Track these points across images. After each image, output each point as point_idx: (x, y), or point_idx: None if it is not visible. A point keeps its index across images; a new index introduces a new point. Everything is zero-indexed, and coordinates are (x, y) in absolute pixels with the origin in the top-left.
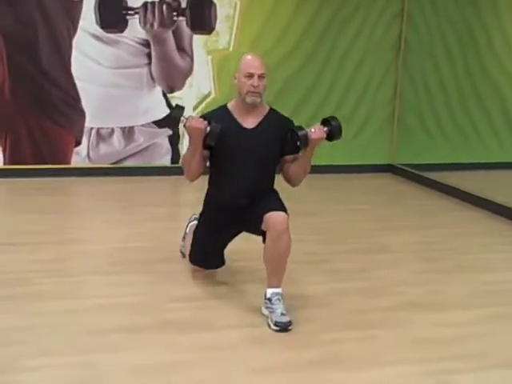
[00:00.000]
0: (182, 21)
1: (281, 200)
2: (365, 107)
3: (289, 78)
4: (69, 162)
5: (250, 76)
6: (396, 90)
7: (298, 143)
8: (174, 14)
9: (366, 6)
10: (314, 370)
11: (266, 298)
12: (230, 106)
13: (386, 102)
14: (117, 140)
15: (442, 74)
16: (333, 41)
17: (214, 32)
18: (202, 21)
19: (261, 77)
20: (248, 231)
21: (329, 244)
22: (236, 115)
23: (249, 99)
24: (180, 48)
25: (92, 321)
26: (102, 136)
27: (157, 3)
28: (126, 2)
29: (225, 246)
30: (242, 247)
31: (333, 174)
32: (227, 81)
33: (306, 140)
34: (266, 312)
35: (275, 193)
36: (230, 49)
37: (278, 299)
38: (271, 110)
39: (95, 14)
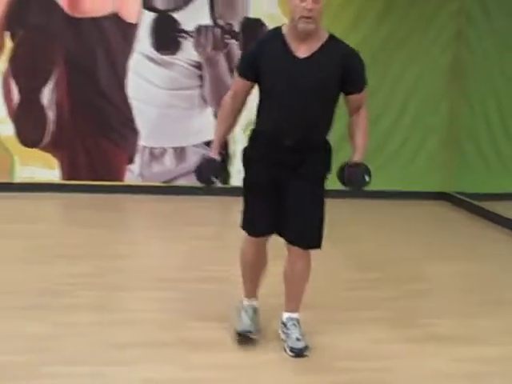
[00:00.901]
0: (234, 44)
1: (321, 214)
2: (419, 132)
3: (339, 102)
4: (122, 179)
5: None
6: (452, 115)
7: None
8: (227, 36)
9: (421, 29)
10: None
11: (281, 322)
12: (284, 29)
13: (442, 127)
14: (169, 159)
15: (501, 99)
16: (386, 63)
17: None
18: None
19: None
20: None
21: (365, 271)
22: (290, 41)
23: (301, 25)
24: (232, 70)
25: (115, 334)
26: (154, 155)
27: (210, 26)
28: (180, 25)
29: (274, 199)
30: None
31: (385, 200)
32: None
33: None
34: (282, 336)
35: (320, 184)
36: None
37: (294, 324)
38: (331, 36)
39: (150, 36)
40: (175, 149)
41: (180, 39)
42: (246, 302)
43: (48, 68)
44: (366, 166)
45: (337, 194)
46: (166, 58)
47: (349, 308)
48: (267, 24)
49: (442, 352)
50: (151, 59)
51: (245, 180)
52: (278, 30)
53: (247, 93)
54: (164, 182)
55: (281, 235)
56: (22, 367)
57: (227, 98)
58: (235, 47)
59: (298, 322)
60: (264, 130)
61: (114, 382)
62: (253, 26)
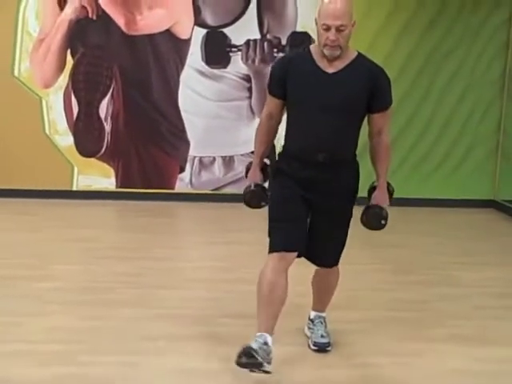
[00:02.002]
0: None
1: (344, 237)
2: (466, 140)
3: None
4: (173, 188)
5: (327, 28)
6: (500, 123)
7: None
8: (275, 50)
9: (468, 40)
10: None
11: (309, 319)
12: (312, 48)
13: (490, 135)
14: (217, 168)
15: None
16: (433, 75)
17: None
18: None
19: (339, 29)
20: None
21: (399, 274)
22: (317, 59)
23: (326, 52)
24: None
25: (148, 327)
26: (204, 164)
27: (258, 40)
28: (230, 40)
29: (305, 215)
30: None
31: (431, 208)
32: None
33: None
34: (308, 333)
35: (350, 202)
36: None
37: (320, 322)
38: (359, 55)
39: (201, 51)
40: (224, 158)
41: (230, 53)
42: (258, 334)
43: (105, 82)
44: (385, 212)
45: None
46: (216, 71)
47: (376, 308)
48: (314, 37)
49: (463, 352)
50: (202, 73)
51: (275, 193)
52: (305, 49)
53: (282, 110)
54: (212, 190)
55: (302, 253)
56: (59, 355)
57: (263, 119)
58: None
59: (325, 320)
60: (294, 146)
61: (145, 370)
62: (300, 39)
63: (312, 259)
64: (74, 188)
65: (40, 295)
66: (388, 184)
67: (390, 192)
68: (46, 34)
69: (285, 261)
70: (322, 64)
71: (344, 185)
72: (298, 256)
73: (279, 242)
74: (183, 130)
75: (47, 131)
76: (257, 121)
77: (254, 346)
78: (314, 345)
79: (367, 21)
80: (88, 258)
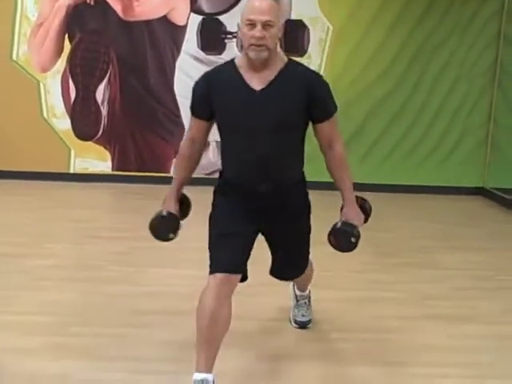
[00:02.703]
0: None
1: (307, 243)
2: (457, 129)
3: (379, 101)
4: (168, 171)
5: (252, 24)
6: (490, 113)
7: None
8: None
9: (460, 31)
10: (313, 362)
11: (294, 294)
12: (237, 61)
13: (480, 125)
14: (211, 152)
15: None
16: (424, 65)
17: (306, 55)
18: (296, 44)
19: (267, 25)
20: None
21: (381, 257)
22: (243, 72)
23: (251, 53)
24: None
25: (136, 303)
26: None
27: None
28: (226, 27)
29: (247, 245)
30: None
31: (422, 195)
32: None
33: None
34: (292, 304)
35: (303, 225)
36: (321, 71)
37: (304, 303)
38: (290, 62)
39: (197, 37)
40: (217, 142)
41: (225, 40)
42: (198, 377)
43: (102, 67)
44: (356, 229)
45: (375, 188)
46: (212, 57)
47: (355, 288)
48: (308, 25)
49: (441, 329)
50: (197, 59)
51: (220, 207)
52: (230, 61)
53: (206, 133)
54: (207, 174)
55: (245, 277)
56: (52, 326)
57: (184, 144)
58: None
59: (309, 300)
60: (231, 176)
61: (134, 341)
62: (294, 27)
63: (279, 278)
64: (71, 171)
65: (34, 272)
66: (363, 201)
67: (367, 210)
68: (45, 19)
69: (229, 284)
70: (249, 77)
71: (296, 205)
72: (241, 280)
73: (224, 261)
74: (178, 115)
75: (45, 115)
76: None
77: None
78: (295, 322)
79: (360, 11)
80: (82, 237)
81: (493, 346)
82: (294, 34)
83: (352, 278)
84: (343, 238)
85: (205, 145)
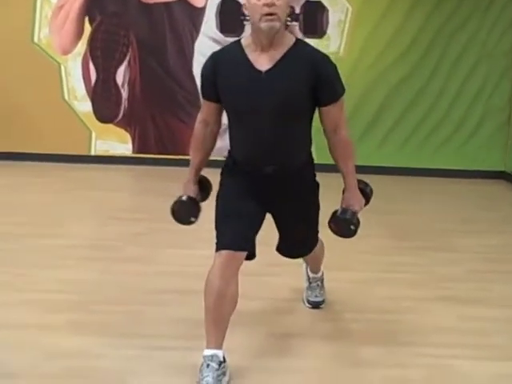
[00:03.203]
0: (296, 25)
1: (315, 221)
2: (477, 112)
3: (398, 82)
4: (188, 153)
5: None
6: (511, 96)
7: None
8: (288, 19)
9: (479, 14)
10: (324, 341)
11: (307, 276)
12: (243, 41)
13: (501, 108)
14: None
15: None
16: (444, 47)
17: (326, 36)
18: (315, 25)
19: None
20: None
21: (397, 240)
22: (248, 52)
23: (264, 25)
24: None
25: (154, 282)
26: None
27: None
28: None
29: (253, 223)
30: None
31: (442, 178)
32: None
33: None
34: (305, 285)
35: (312, 198)
36: (341, 53)
37: (317, 285)
38: (297, 41)
39: (216, 19)
40: None
41: (244, 22)
42: (207, 352)
43: (122, 50)
44: (355, 216)
45: (394, 171)
46: (230, 39)
47: (369, 270)
48: (327, 6)
49: (452, 311)
50: (216, 41)
51: (227, 187)
52: (236, 41)
53: (218, 115)
54: (225, 157)
55: (251, 255)
56: (73, 304)
57: (197, 127)
58: (296, 29)
59: (322, 282)
60: (238, 157)
61: (149, 319)
62: (314, 8)
63: (286, 256)
64: (92, 153)
65: (54, 251)
66: (365, 184)
67: (368, 194)
68: (65, 1)
69: (235, 261)
70: (255, 58)
71: (303, 186)
72: (247, 258)
73: (229, 238)
74: (198, 97)
75: (66, 97)
76: None
77: (211, 381)
78: (308, 302)
79: None
80: (101, 218)
81: (504, 329)
82: (314, 16)
83: (366, 260)
84: (343, 225)
85: (219, 126)
